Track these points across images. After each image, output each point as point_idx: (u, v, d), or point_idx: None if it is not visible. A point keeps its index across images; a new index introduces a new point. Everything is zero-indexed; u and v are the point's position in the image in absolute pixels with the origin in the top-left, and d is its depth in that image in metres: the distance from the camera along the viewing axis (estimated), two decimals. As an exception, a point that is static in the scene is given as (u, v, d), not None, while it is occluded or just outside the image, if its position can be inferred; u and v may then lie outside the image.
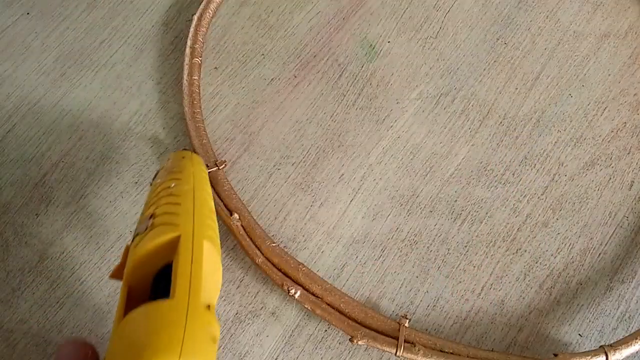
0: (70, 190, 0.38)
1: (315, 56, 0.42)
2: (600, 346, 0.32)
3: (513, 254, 0.37)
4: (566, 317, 0.35)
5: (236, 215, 0.35)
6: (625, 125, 0.40)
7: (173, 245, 0.24)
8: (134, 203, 0.37)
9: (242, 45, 0.42)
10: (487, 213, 0.38)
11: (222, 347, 0.34)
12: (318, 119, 0.40)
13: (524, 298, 0.36)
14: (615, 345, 0.32)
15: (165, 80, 0.41)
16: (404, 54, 0.42)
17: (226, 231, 0.37)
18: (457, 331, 0.35)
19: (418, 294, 0.36)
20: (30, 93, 0.40)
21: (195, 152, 0.37)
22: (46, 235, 0.36)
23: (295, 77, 0.41)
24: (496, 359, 0.32)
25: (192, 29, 0.41)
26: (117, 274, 0.26)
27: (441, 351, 0.32)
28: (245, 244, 0.35)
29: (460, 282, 0.36)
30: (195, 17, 0.41)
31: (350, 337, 0.33)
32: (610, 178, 0.39)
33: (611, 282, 0.36)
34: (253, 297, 0.35)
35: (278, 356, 0.34)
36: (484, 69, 0.42)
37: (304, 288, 0.34)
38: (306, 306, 0.34)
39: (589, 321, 0.35)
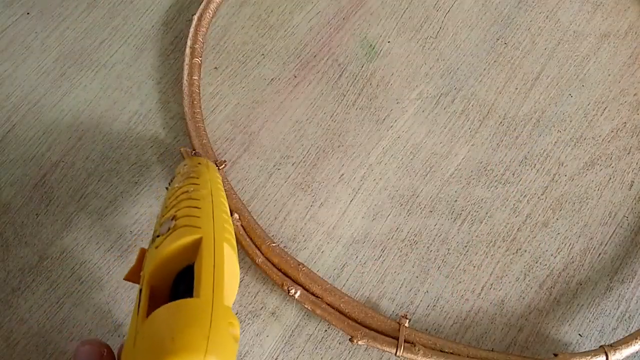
0: (70, 190, 0.38)
1: (315, 56, 0.42)
2: (600, 346, 0.32)
3: (513, 254, 0.37)
4: (566, 317, 0.35)
5: (236, 215, 0.35)
6: (625, 125, 0.40)
7: (194, 247, 0.24)
8: (134, 203, 0.37)
9: (242, 45, 0.42)
10: (487, 213, 0.38)
11: (222, 347, 0.34)
12: (318, 119, 0.40)
13: (524, 298, 0.36)
14: (615, 345, 0.32)
15: (165, 80, 0.41)
16: (404, 54, 0.42)
17: (226, 231, 0.37)
18: (457, 331, 0.35)
19: (418, 294, 0.36)
20: (30, 93, 0.40)
21: (195, 152, 0.37)
22: (46, 235, 0.36)
23: (295, 77, 0.41)
24: (496, 359, 0.32)
25: (192, 29, 0.41)
26: (131, 277, 0.26)
27: (441, 351, 0.32)
28: (245, 244, 0.35)
29: (460, 282, 0.36)
30: (195, 17, 0.41)
31: (350, 337, 0.33)
32: (610, 178, 0.39)
33: (611, 282, 0.36)
34: (253, 297, 0.35)
35: (278, 356, 0.34)
36: (484, 69, 0.42)
37: (304, 288, 0.34)
38: (306, 306, 0.34)
39: (589, 321, 0.35)
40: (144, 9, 0.43)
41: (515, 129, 0.40)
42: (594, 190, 0.38)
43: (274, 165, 0.39)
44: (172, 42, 0.42)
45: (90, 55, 0.42)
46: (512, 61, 0.42)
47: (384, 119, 0.40)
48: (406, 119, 0.40)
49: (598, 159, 0.39)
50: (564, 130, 0.40)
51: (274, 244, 0.35)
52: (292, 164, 0.39)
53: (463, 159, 0.39)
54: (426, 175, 0.39)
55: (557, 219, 0.38)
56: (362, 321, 0.33)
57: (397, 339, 0.32)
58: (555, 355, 0.32)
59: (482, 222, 0.37)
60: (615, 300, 0.36)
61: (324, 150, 0.39)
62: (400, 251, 0.37)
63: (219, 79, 0.41)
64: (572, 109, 0.41)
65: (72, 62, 0.42)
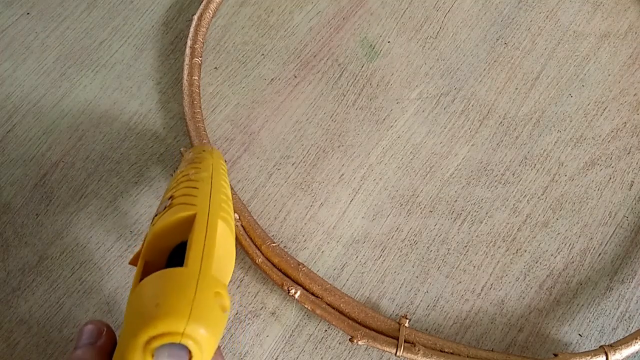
0: (70, 190, 0.38)
1: (315, 56, 0.42)
2: (600, 346, 0.32)
3: (513, 254, 0.37)
4: (566, 317, 0.35)
5: (236, 215, 0.35)
6: (625, 125, 0.40)
7: (189, 223, 0.25)
8: (134, 203, 0.37)
9: (242, 45, 0.42)
10: (487, 213, 0.38)
11: (222, 347, 0.34)
12: (318, 119, 0.40)
13: (524, 298, 0.36)
14: (615, 345, 0.32)
15: (165, 80, 0.41)
16: (404, 54, 0.42)
17: (226, 231, 0.37)
18: (457, 331, 0.35)
19: (418, 294, 0.36)
20: (30, 93, 0.40)
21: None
22: (46, 235, 0.36)
23: (295, 77, 0.41)
24: (496, 359, 0.32)
25: (192, 29, 0.41)
26: (135, 261, 0.27)
27: (441, 351, 0.32)
28: (245, 244, 0.35)
29: (460, 282, 0.36)
30: (195, 17, 0.41)
31: (350, 337, 0.33)
32: (610, 178, 0.39)
33: (611, 282, 0.36)
34: (253, 297, 0.35)
35: (278, 356, 0.34)
36: (484, 69, 0.42)
37: (304, 288, 0.34)
38: (306, 306, 0.34)
39: (589, 321, 0.35)
40: (144, 9, 0.43)
41: (515, 129, 0.40)
42: (594, 190, 0.38)
43: (274, 165, 0.39)
44: (172, 42, 0.42)
45: (90, 55, 0.42)
46: (512, 61, 0.42)
47: (384, 119, 0.40)
48: (406, 119, 0.40)
49: (598, 159, 0.39)
50: (564, 130, 0.40)
51: (274, 244, 0.35)
52: (292, 164, 0.39)
53: (463, 159, 0.39)
54: (426, 175, 0.39)
55: (557, 219, 0.38)
56: (362, 321, 0.33)
57: (397, 339, 0.32)
58: (555, 355, 0.32)
59: (482, 222, 0.37)
60: (615, 300, 0.36)
61: (324, 150, 0.39)
62: (400, 251, 0.37)
63: (219, 79, 0.41)
64: (572, 109, 0.41)
65: (72, 62, 0.42)
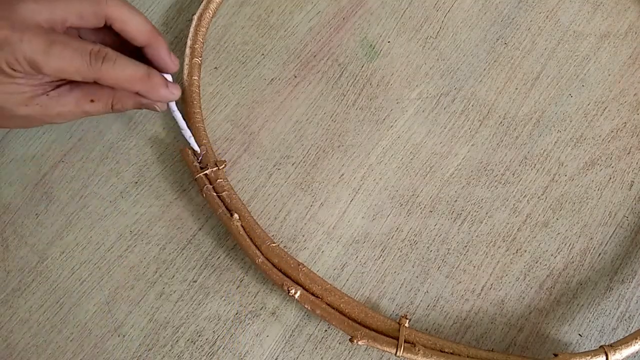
0: (70, 190, 0.38)
1: (315, 56, 0.42)
2: (600, 346, 0.32)
3: (513, 254, 0.37)
4: (566, 317, 0.35)
5: (236, 216, 0.35)
6: (625, 125, 0.40)
7: None
8: (134, 203, 0.37)
9: (242, 45, 0.42)
10: (487, 213, 0.38)
11: (222, 347, 0.34)
12: (318, 119, 0.40)
13: (524, 298, 0.36)
14: (615, 345, 0.32)
15: (165, 80, 0.41)
16: (404, 54, 0.42)
17: (226, 231, 0.37)
18: (457, 331, 0.35)
19: (418, 294, 0.36)
20: (30, 93, 0.40)
21: (195, 152, 0.37)
22: (46, 235, 0.36)
23: (295, 77, 0.41)
24: (496, 359, 0.32)
25: (192, 29, 0.40)
26: None
27: (441, 351, 0.32)
28: (245, 244, 0.35)
29: (460, 282, 0.36)
30: (195, 17, 0.41)
31: (350, 337, 0.33)
32: (610, 178, 0.39)
33: (611, 282, 0.36)
34: (253, 297, 0.35)
35: (278, 356, 0.34)
36: (484, 69, 0.42)
37: (304, 288, 0.34)
38: (306, 306, 0.34)
39: (589, 321, 0.35)
40: (143, 9, 0.43)
41: (515, 129, 0.40)
42: (594, 190, 0.38)
43: (274, 165, 0.39)
44: (172, 42, 0.42)
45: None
46: (512, 61, 0.42)
47: (384, 119, 0.40)
48: (406, 119, 0.40)
49: (598, 159, 0.39)
50: (564, 130, 0.40)
51: (274, 244, 0.35)
52: (292, 164, 0.39)
53: (463, 159, 0.39)
54: (426, 175, 0.39)
55: (557, 219, 0.38)
56: (362, 321, 0.33)
57: (397, 339, 0.32)
58: (555, 355, 0.32)
59: (482, 222, 0.38)
60: (615, 300, 0.36)
61: (324, 150, 0.39)
62: (400, 251, 0.37)
63: (219, 79, 0.41)
64: (572, 109, 0.41)
65: (72, 62, 0.41)
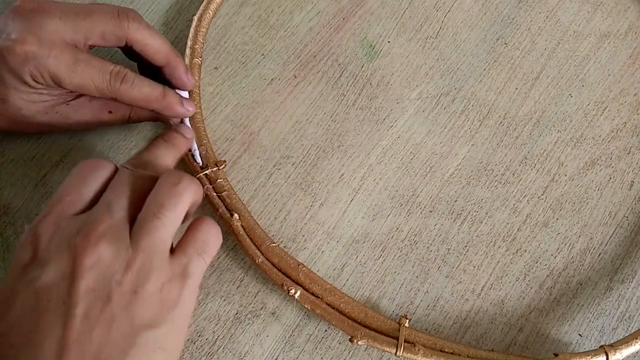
0: (70, 190, 0.38)
1: (315, 56, 0.42)
2: (601, 346, 0.32)
3: (513, 254, 0.37)
4: (566, 317, 0.35)
5: (236, 216, 0.35)
6: (625, 125, 0.40)
7: None
8: (134, 203, 0.37)
9: (242, 45, 0.42)
10: (487, 213, 0.38)
11: (222, 347, 0.34)
12: (318, 119, 0.40)
13: (524, 298, 0.36)
14: (616, 345, 0.32)
15: (165, 80, 0.41)
16: (404, 54, 0.42)
17: (226, 231, 0.37)
18: (457, 331, 0.35)
19: (418, 294, 0.36)
20: (30, 93, 0.40)
21: (193, 153, 0.37)
22: (46, 235, 0.36)
23: (295, 77, 0.41)
24: (496, 359, 0.32)
25: (192, 30, 0.40)
26: None
27: (441, 351, 0.32)
28: (245, 244, 0.35)
29: (460, 282, 0.36)
30: (196, 18, 0.41)
31: (350, 337, 0.33)
32: (610, 178, 0.39)
33: (611, 282, 0.36)
34: (253, 297, 0.35)
35: (278, 356, 0.34)
36: (484, 69, 0.42)
37: (304, 288, 0.34)
38: (306, 306, 0.34)
39: (589, 321, 0.35)
40: (144, 9, 0.43)
41: (515, 129, 0.40)
42: (594, 190, 0.38)
43: (274, 165, 0.39)
44: (172, 42, 0.42)
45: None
46: (512, 61, 0.42)
47: (384, 119, 0.40)
48: (406, 119, 0.40)
49: (598, 159, 0.39)
50: (564, 130, 0.40)
51: (274, 244, 0.35)
52: (292, 164, 0.39)
53: (463, 159, 0.39)
54: (426, 175, 0.39)
55: (557, 219, 0.38)
56: (362, 321, 0.33)
57: (397, 339, 0.32)
58: (555, 355, 0.32)
59: (482, 222, 0.38)
60: (615, 300, 0.36)
61: (324, 150, 0.39)
62: (400, 251, 0.37)
63: (219, 79, 0.41)
64: (572, 109, 0.41)
65: (72, 62, 0.41)
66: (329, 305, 0.34)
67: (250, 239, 0.35)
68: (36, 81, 0.31)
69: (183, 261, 0.27)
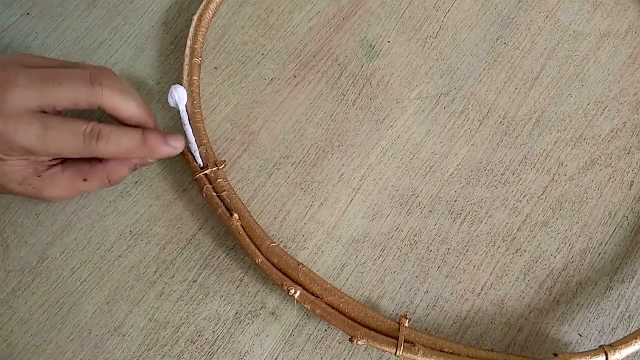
0: (70, 190, 0.38)
1: (315, 56, 0.42)
2: (600, 346, 0.32)
3: (513, 254, 0.37)
4: (566, 317, 0.35)
5: (236, 216, 0.35)
6: (625, 125, 0.40)
7: None
8: (134, 203, 0.37)
9: (242, 45, 0.42)
10: (487, 213, 0.38)
11: (222, 347, 0.34)
12: (318, 119, 0.40)
13: (524, 298, 0.36)
14: (615, 345, 0.32)
15: (165, 80, 0.41)
16: (404, 54, 0.42)
17: (226, 231, 0.37)
18: (457, 331, 0.35)
19: (418, 294, 0.36)
20: (30, 93, 0.40)
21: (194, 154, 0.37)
22: (46, 235, 0.36)
23: (295, 77, 0.41)
24: (496, 359, 0.32)
25: (192, 29, 0.40)
26: None
27: (441, 351, 0.32)
28: (245, 244, 0.35)
29: (460, 282, 0.36)
30: (196, 18, 0.41)
31: (350, 337, 0.33)
32: (610, 178, 0.39)
33: (611, 282, 0.36)
34: (253, 297, 0.35)
35: (278, 356, 0.34)
36: (484, 69, 0.42)
37: (304, 288, 0.34)
38: (306, 306, 0.34)
39: (589, 321, 0.35)
40: (144, 9, 0.43)
41: (515, 129, 0.40)
42: (594, 190, 0.38)
43: (274, 165, 0.39)
44: (172, 42, 0.42)
45: (91, 55, 0.42)
46: (512, 61, 0.42)
47: (384, 119, 0.40)
48: (406, 119, 0.40)
49: (598, 159, 0.39)
50: (564, 130, 0.40)
51: (274, 244, 0.35)
52: (292, 164, 0.39)
53: (463, 159, 0.39)
54: (426, 175, 0.39)
55: (557, 219, 0.38)
56: (362, 321, 0.33)
57: (397, 339, 0.32)
58: (555, 355, 0.32)
59: (482, 222, 0.38)
60: (615, 300, 0.36)
61: (324, 150, 0.39)
62: (400, 251, 0.37)
63: (219, 79, 0.41)
64: (572, 109, 0.41)
65: (72, 62, 0.41)
66: (329, 305, 0.34)
67: (250, 239, 0.35)
68: (8, 155, 0.30)
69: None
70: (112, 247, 0.36)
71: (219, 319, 0.35)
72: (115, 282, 0.35)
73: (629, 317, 0.35)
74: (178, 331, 0.35)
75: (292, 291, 0.34)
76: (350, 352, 0.34)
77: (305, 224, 0.37)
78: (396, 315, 0.35)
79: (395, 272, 0.36)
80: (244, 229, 0.35)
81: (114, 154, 0.32)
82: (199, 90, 0.40)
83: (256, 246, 0.35)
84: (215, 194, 0.36)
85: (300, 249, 0.37)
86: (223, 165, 0.37)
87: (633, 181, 0.39)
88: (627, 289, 0.36)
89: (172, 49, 0.42)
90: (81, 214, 0.37)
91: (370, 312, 0.34)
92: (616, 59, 0.42)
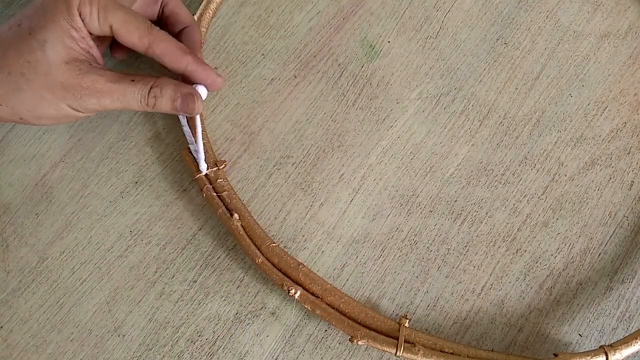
0: (70, 190, 0.38)
1: (315, 56, 0.42)
2: (600, 346, 0.32)
3: (513, 254, 0.37)
4: (566, 317, 0.35)
5: (236, 216, 0.35)
6: (625, 125, 0.40)
7: None
8: (134, 203, 0.37)
9: (242, 45, 0.42)
10: (487, 213, 0.38)
11: (222, 347, 0.34)
12: (318, 119, 0.40)
13: (524, 298, 0.36)
14: (615, 345, 0.32)
15: (165, 80, 0.41)
16: (404, 54, 0.42)
17: (226, 231, 0.37)
18: (457, 331, 0.35)
19: (418, 294, 0.36)
20: (30, 93, 0.40)
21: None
22: (46, 235, 0.36)
23: (295, 77, 0.41)
24: (496, 359, 0.32)
25: (192, 29, 0.40)
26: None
27: (441, 351, 0.32)
28: (245, 244, 0.35)
29: (460, 282, 0.36)
30: (195, 17, 0.41)
31: (350, 337, 0.33)
32: (610, 178, 0.39)
33: (611, 282, 0.36)
34: (253, 297, 0.35)
35: (278, 356, 0.34)
36: (484, 69, 0.42)
37: (304, 288, 0.34)
38: (306, 306, 0.34)
39: (589, 321, 0.35)
40: (144, 9, 0.43)
41: (515, 129, 0.40)
42: (594, 190, 0.38)
43: (274, 165, 0.39)
44: (172, 42, 0.42)
45: (90, 55, 0.42)
46: (512, 61, 0.42)
47: (384, 119, 0.40)
48: (406, 119, 0.40)
49: (598, 159, 0.39)
50: (564, 130, 0.40)
51: (274, 244, 0.35)
52: (292, 164, 0.39)
53: (463, 159, 0.39)
54: (426, 175, 0.39)
55: (557, 219, 0.38)
56: (362, 321, 0.33)
57: (397, 339, 0.32)
58: (555, 355, 0.32)
59: (482, 222, 0.38)
60: (615, 300, 0.36)
61: (324, 150, 0.39)
62: (400, 251, 0.37)
63: (219, 79, 0.41)
64: (572, 109, 0.41)
65: (72, 62, 0.41)
66: (329, 305, 0.34)
67: (250, 239, 0.35)
68: (80, 12, 0.31)
69: None
70: (112, 247, 0.36)
71: (219, 319, 0.35)
72: (115, 282, 0.35)
73: (629, 317, 0.35)
74: (178, 331, 0.35)
75: (292, 291, 0.34)
76: (350, 352, 0.34)
77: (305, 224, 0.37)
78: (396, 315, 0.35)
79: (395, 272, 0.36)
80: (244, 229, 0.35)
81: (167, 45, 0.33)
82: (199, 90, 0.40)
83: (256, 246, 0.35)
84: (215, 194, 0.36)
85: (300, 249, 0.37)
86: (223, 165, 0.37)
87: (633, 181, 0.39)
88: (627, 289, 0.36)
89: (172, 48, 0.42)
90: (81, 214, 0.37)
91: (370, 312, 0.34)
92: (616, 59, 0.42)
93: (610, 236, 0.37)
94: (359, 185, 0.38)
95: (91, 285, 0.35)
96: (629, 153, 0.39)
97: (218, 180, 0.36)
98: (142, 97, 0.33)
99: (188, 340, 0.34)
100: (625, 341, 0.33)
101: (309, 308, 0.34)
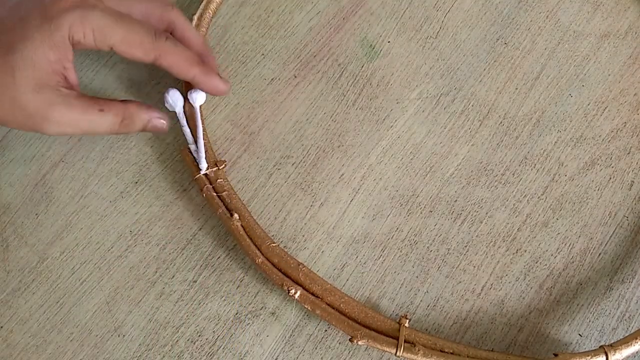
0: (70, 190, 0.38)
1: (315, 56, 0.42)
2: (600, 346, 0.32)
3: (513, 254, 0.37)
4: (566, 317, 0.35)
5: (236, 216, 0.35)
6: (625, 125, 0.40)
7: None
8: (134, 203, 0.37)
9: (242, 45, 0.42)
10: (487, 213, 0.38)
11: (222, 347, 0.34)
12: (318, 119, 0.40)
13: (524, 298, 0.36)
14: (615, 345, 0.32)
15: (166, 80, 0.41)
16: (404, 54, 0.42)
17: (226, 231, 0.37)
18: (457, 331, 0.35)
19: (418, 294, 0.36)
20: (30, 93, 0.40)
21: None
22: (46, 235, 0.36)
23: (295, 77, 0.41)
24: (496, 359, 0.32)
25: (192, 29, 0.40)
26: None
27: (441, 351, 0.32)
28: (245, 244, 0.35)
29: (460, 282, 0.36)
30: (195, 17, 0.41)
31: (350, 337, 0.33)
32: (610, 178, 0.39)
33: (611, 282, 0.36)
34: (253, 297, 0.35)
35: (278, 356, 0.34)
36: (484, 69, 0.42)
37: (304, 288, 0.34)
38: (306, 306, 0.34)
39: (589, 321, 0.35)
40: (144, 9, 0.43)
41: (515, 129, 0.40)
42: (594, 190, 0.38)
43: (274, 165, 0.39)
44: (172, 42, 0.42)
45: (90, 55, 0.42)
46: (512, 61, 0.42)
47: (384, 119, 0.40)
48: (406, 119, 0.40)
49: (598, 159, 0.39)
50: (564, 130, 0.40)
51: (274, 244, 0.35)
52: (292, 164, 0.39)
53: (463, 159, 0.39)
54: (426, 175, 0.39)
55: (557, 219, 0.38)
56: (362, 321, 0.33)
57: (397, 339, 0.32)
58: (555, 355, 0.32)
59: (482, 222, 0.38)
60: (615, 300, 0.36)
61: (324, 150, 0.39)
62: (400, 251, 0.37)
63: (219, 79, 0.41)
64: (572, 109, 0.41)
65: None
66: (329, 305, 0.34)
67: (250, 239, 0.35)
68: (73, 37, 0.30)
69: None
70: (112, 247, 0.36)
71: (219, 319, 0.35)
72: (115, 282, 0.35)
73: (629, 317, 0.35)
74: (178, 331, 0.35)
75: (292, 291, 0.34)
76: (350, 352, 0.34)
77: (305, 224, 0.37)
78: (396, 315, 0.35)
79: (395, 272, 0.36)
80: (244, 229, 0.35)
81: (177, 58, 0.33)
82: (199, 90, 0.40)
83: (256, 246, 0.35)
84: (215, 194, 0.36)
85: (300, 249, 0.37)
86: (223, 165, 0.37)
87: (633, 181, 0.39)
88: (627, 289, 0.36)
89: (172, 48, 0.42)
90: (81, 214, 0.37)
91: (370, 312, 0.34)
92: (616, 59, 0.42)
93: (610, 236, 0.37)
94: (359, 185, 0.38)
95: (91, 285, 0.35)
96: (629, 153, 0.39)
97: (218, 180, 0.36)
98: (111, 129, 0.33)
99: (188, 340, 0.34)
100: (625, 341, 0.33)
101: (309, 308, 0.34)
